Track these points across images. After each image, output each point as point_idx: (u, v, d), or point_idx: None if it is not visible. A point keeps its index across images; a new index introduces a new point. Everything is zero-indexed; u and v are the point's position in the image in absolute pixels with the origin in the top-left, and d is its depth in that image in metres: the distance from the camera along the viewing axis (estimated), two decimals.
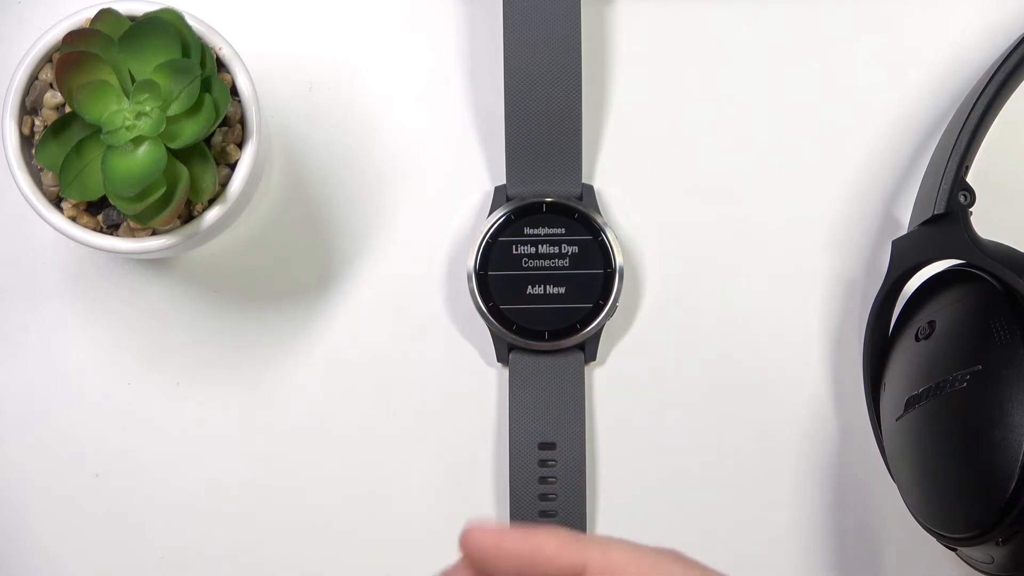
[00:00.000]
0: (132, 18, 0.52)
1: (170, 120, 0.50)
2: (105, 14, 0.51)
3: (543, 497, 0.57)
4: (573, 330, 0.57)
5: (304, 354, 0.58)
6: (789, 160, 0.59)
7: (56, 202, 0.52)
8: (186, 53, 0.51)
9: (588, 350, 0.58)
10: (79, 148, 0.50)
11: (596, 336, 0.58)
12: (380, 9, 0.60)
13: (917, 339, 0.54)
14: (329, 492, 0.58)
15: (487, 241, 0.57)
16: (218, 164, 0.53)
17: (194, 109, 0.50)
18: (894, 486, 0.55)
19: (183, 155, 0.51)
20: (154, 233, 0.52)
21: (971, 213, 0.54)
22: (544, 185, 0.58)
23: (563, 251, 0.57)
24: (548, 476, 0.57)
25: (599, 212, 0.58)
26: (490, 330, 0.58)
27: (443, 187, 0.59)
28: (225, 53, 0.53)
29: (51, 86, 0.52)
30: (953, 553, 0.54)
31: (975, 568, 0.53)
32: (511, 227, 0.57)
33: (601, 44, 0.60)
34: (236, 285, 0.59)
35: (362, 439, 0.58)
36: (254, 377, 0.58)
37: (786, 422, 0.59)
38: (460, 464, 0.58)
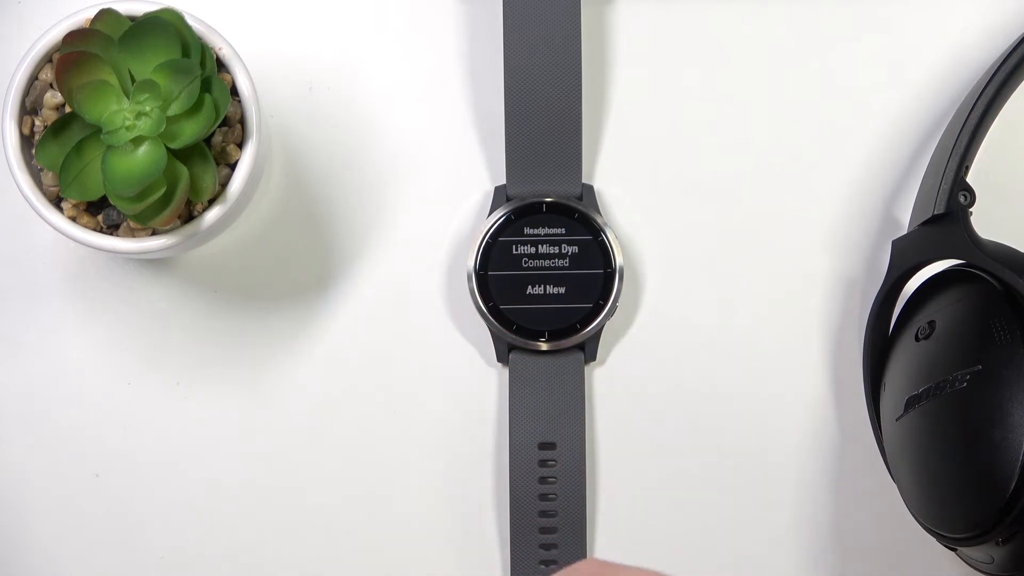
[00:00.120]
0: (132, 18, 0.52)
1: (170, 120, 0.50)
2: (105, 14, 0.51)
3: (543, 497, 0.57)
4: (573, 330, 0.57)
5: (304, 354, 0.58)
6: (789, 160, 0.59)
7: (56, 202, 0.52)
8: (186, 53, 0.51)
9: (588, 350, 0.58)
10: (79, 148, 0.50)
11: (596, 336, 0.58)
12: (380, 9, 0.60)
13: (917, 339, 0.54)
14: (329, 492, 0.58)
15: (487, 241, 0.57)
16: (218, 164, 0.53)
17: (194, 109, 0.50)
18: (894, 486, 0.55)
19: (183, 155, 0.51)
20: (154, 233, 0.52)
21: (971, 213, 0.54)
22: (544, 185, 0.58)
23: (563, 251, 0.57)
24: (548, 476, 0.57)
25: (599, 212, 0.58)
26: (490, 330, 0.58)
27: (443, 187, 0.59)
28: (225, 53, 0.53)
29: (51, 86, 0.52)
30: (953, 553, 0.54)
31: (975, 568, 0.53)
32: (511, 227, 0.57)
33: (601, 44, 0.60)
34: (236, 285, 0.59)
35: (362, 439, 0.58)
36: (254, 377, 0.58)
37: (786, 422, 0.59)
38: (460, 464, 0.58)
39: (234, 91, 0.53)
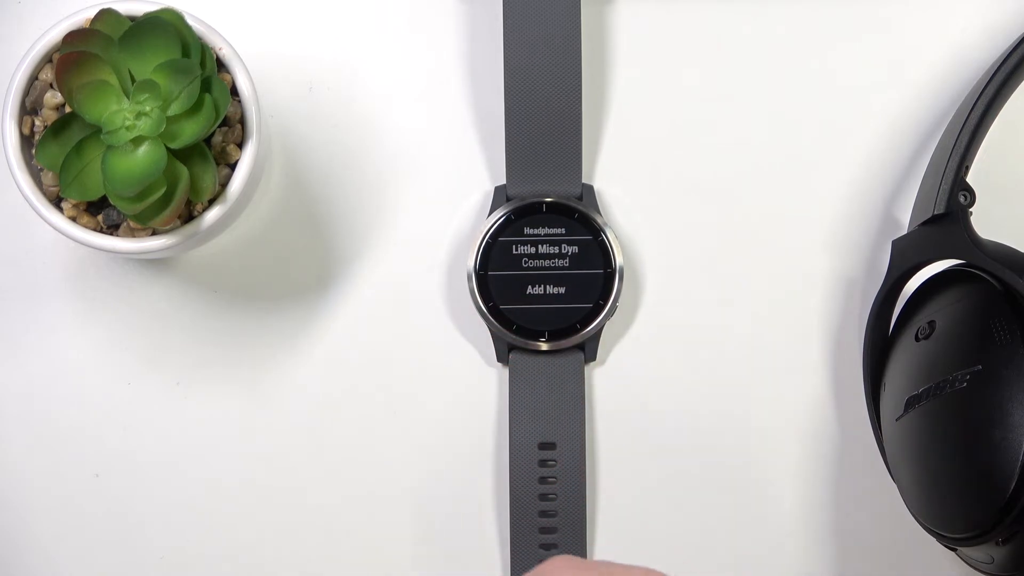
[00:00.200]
0: (132, 18, 0.52)
1: (170, 120, 0.50)
2: (105, 14, 0.51)
3: (543, 497, 0.57)
4: (573, 330, 0.57)
5: (304, 354, 0.58)
6: (789, 160, 0.59)
7: (56, 202, 0.52)
8: (186, 53, 0.51)
9: (588, 350, 0.58)
10: (79, 148, 0.50)
11: (596, 336, 0.58)
12: (380, 9, 0.60)
13: (917, 339, 0.54)
14: (329, 492, 0.58)
15: (487, 241, 0.57)
16: (218, 164, 0.53)
17: (194, 109, 0.50)
18: (894, 486, 0.55)
19: (183, 155, 0.51)
20: (154, 233, 0.52)
21: (971, 213, 0.54)
22: (544, 185, 0.58)
23: (563, 251, 0.57)
24: (548, 476, 0.57)
25: (599, 212, 0.58)
26: (490, 330, 0.58)
27: (443, 187, 0.59)
28: (225, 53, 0.53)
29: (51, 86, 0.52)
30: (953, 553, 0.54)
31: (975, 568, 0.53)
32: (511, 227, 0.57)
33: (601, 44, 0.60)
34: (236, 285, 0.59)
35: (362, 439, 0.58)
36: (254, 377, 0.58)
37: (786, 422, 0.59)
38: (460, 464, 0.58)
39: (234, 91, 0.53)
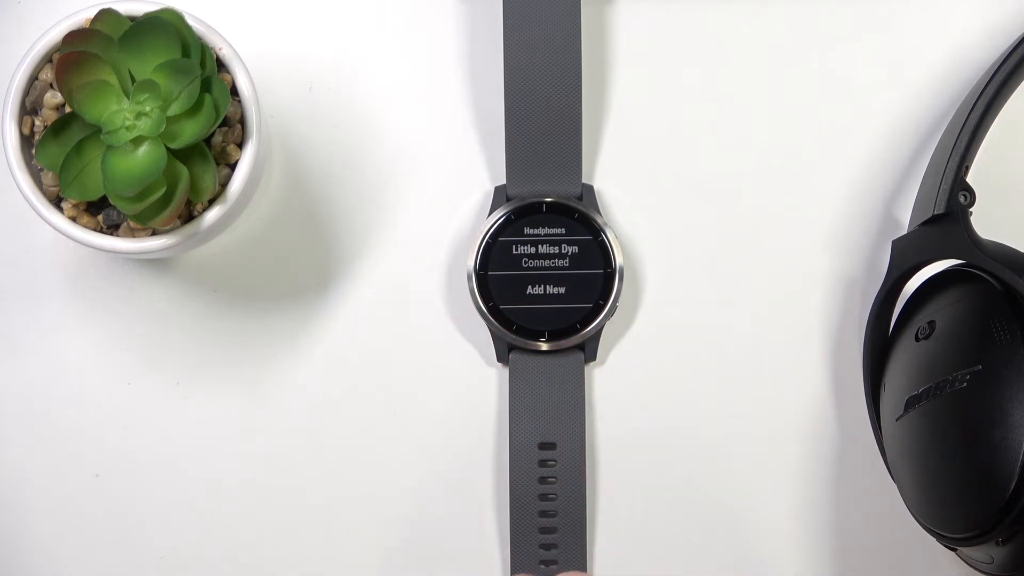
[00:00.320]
0: (132, 18, 0.52)
1: (170, 120, 0.50)
2: (105, 14, 0.51)
3: (543, 497, 0.57)
4: (573, 330, 0.57)
5: (304, 354, 0.58)
6: (789, 160, 0.59)
7: (56, 202, 0.52)
8: (186, 53, 0.51)
9: (588, 350, 0.58)
10: (79, 148, 0.50)
11: (596, 336, 0.58)
12: (380, 9, 0.60)
13: (917, 339, 0.54)
14: (329, 492, 0.58)
15: (487, 241, 0.57)
16: (218, 164, 0.53)
17: (194, 109, 0.50)
18: (894, 486, 0.55)
19: (183, 155, 0.51)
20: (154, 233, 0.52)
21: (971, 213, 0.54)
22: (544, 185, 0.58)
23: (563, 251, 0.57)
24: (548, 476, 0.57)
25: (599, 212, 0.58)
26: (490, 330, 0.58)
27: (443, 187, 0.59)
28: (225, 53, 0.53)
29: (51, 86, 0.52)
30: (953, 553, 0.54)
31: (975, 568, 0.53)
32: (511, 227, 0.57)
33: (601, 44, 0.60)
34: (236, 285, 0.59)
35: (362, 439, 0.58)
36: (254, 377, 0.58)
37: (786, 422, 0.59)
38: (460, 464, 0.58)
39: (234, 91, 0.53)
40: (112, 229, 0.53)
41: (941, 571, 0.58)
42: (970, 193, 0.54)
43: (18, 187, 0.52)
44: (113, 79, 0.51)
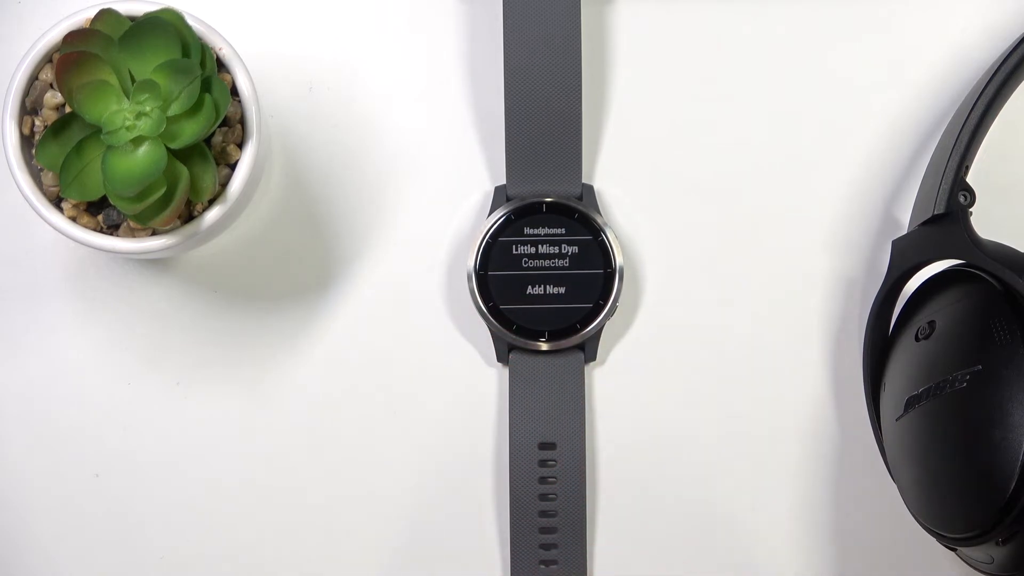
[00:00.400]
0: (132, 18, 0.52)
1: (170, 120, 0.50)
2: (105, 14, 0.51)
3: (543, 497, 0.57)
4: (573, 330, 0.57)
5: (304, 354, 0.58)
6: (789, 160, 0.59)
7: (56, 202, 0.52)
8: (186, 53, 0.51)
9: (588, 350, 0.58)
10: (79, 148, 0.50)
11: (596, 336, 0.58)
12: (380, 9, 0.60)
13: (917, 339, 0.54)
14: (329, 492, 0.58)
15: (487, 241, 0.57)
16: (218, 164, 0.53)
17: (194, 109, 0.50)
18: (894, 486, 0.55)
19: (183, 155, 0.51)
20: (154, 233, 0.52)
21: (971, 213, 0.54)
22: (544, 185, 0.58)
23: (563, 251, 0.57)
24: (548, 476, 0.57)
25: (599, 212, 0.58)
26: (490, 330, 0.58)
27: (443, 187, 0.59)
28: (225, 53, 0.53)
29: (51, 86, 0.52)
30: (953, 553, 0.54)
31: (975, 568, 0.53)
32: (511, 227, 0.57)
33: (601, 44, 0.60)
34: (236, 285, 0.59)
35: (362, 439, 0.58)
36: (254, 377, 0.58)
37: (786, 422, 0.59)
38: (460, 464, 0.58)
39: (234, 91, 0.53)
40: (112, 229, 0.53)
41: (941, 571, 0.58)
42: (970, 193, 0.54)
43: (18, 187, 0.52)
44: (113, 79, 0.51)
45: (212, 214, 0.52)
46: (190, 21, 0.52)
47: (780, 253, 0.59)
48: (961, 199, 0.54)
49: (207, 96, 0.51)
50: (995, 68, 0.56)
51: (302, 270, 0.59)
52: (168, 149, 0.50)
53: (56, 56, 0.51)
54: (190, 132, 0.50)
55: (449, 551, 0.58)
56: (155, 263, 0.58)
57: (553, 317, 0.57)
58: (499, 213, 0.58)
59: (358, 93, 0.59)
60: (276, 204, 0.59)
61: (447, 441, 0.58)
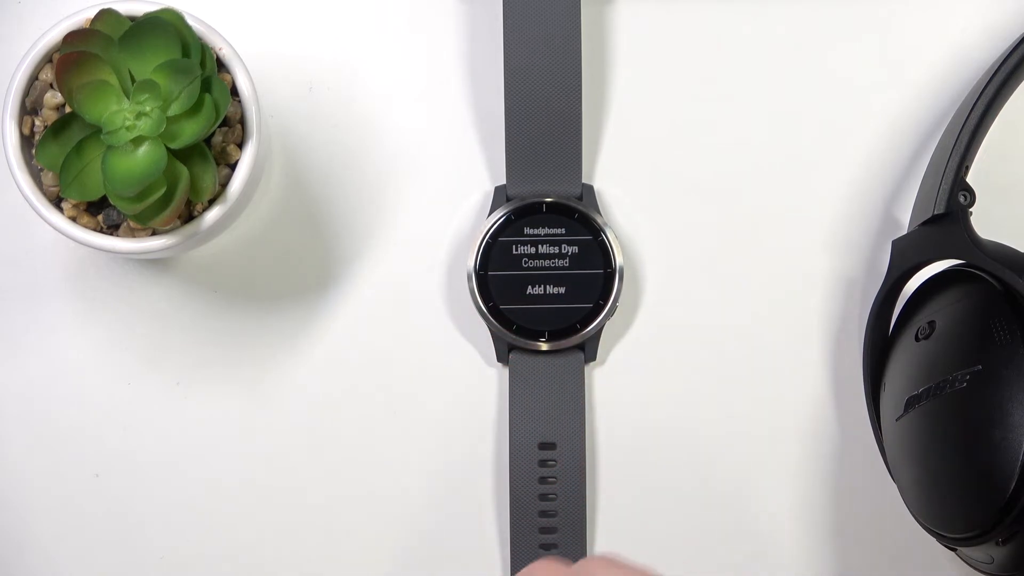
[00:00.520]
0: (132, 18, 0.52)
1: (170, 120, 0.50)
2: (105, 14, 0.51)
3: (543, 497, 0.57)
4: (573, 330, 0.57)
5: (304, 354, 0.58)
6: (789, 160, 0.59)
7: (56, 202, 0.52)
8: (186, 53, 0.51)
9: (588, 350, 0.58)
10: (79, 148, 0.50)
11: (596, 336, 0.58)
12: (380, 9, 0.60)
13: (917, 339, 0.54)
14: (329, 492, 0.58)
15: (487, 241, 0.57)
16: (218, 164, 0.53)
17: (194, 109, 0.50)
18: (894, 486, 0.55)
19: (183, 155, 0.51)
20: (154, 233, 0.52)
21: (971, 213, 0.54)
22: (544, 185, 0.58)
23: (563, 251, 0.57)
24: (548, 476, 0.57)
25: (599, 212, 0.58)
26: (490, 330, 0.58)
27: (443, 187, 0.59)
28: (225, 53, 0.53)
29: (51, 86, 0.52)
30: (953, 553, 0.54)
31: (975, 568, 0.53)
32: (511, 227, 0.57)
33: (601, 44, 0.60)
34: (236, 285, 0.59)
35: (362, 439, 0.58)
36: (254, 377, 0.58)
37: (786, 422, 0.59)
38: (460, 464, 0.58)
39: (234, 91, 0.53)
40: (112, 229, 0.53)
41: (941, 571, 0.58)
42: (970, 193, 0.54)
43: (18, 187, 0.52)
44: (113, 79, 0.51)
45: (212, 214, 0.52)
46: (190, 21, 0.52)
47: (780, 253, 0.59)
48: (961, 199, 0.54)
49: (207, 96, 0.51)
50: (995, 68, 0.56)
51: (302, 270, 0.59)
52: (168, 149, 0.50)
53: (56, 56, 0.51)
54: (190, 132, 0.50)
55: (449, 551, 0.58)
56: (155, 263, 0.58)
57: (553, 317, 0.57)
58: (499, 213, 0.58)
59: (358, 93, 0.59)
60: (276, 204, 0.59)
61: (447, 441, 0.58)
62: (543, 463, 0.58)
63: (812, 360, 0.59)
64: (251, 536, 0.58)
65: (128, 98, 0.51)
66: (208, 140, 0.52)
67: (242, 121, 0.53)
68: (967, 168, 0.55)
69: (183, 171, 0.51)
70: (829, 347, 0.59)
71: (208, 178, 0.51)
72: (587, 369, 0.58)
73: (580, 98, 0.57)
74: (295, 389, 0.58)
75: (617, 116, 0.60)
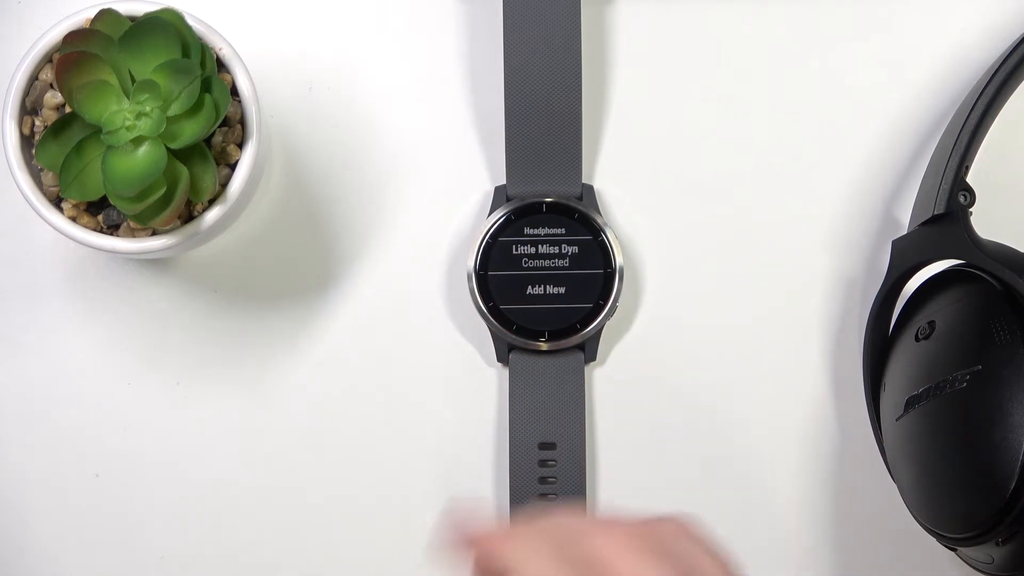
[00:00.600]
0: (132, 18, 0.52)
1: (170, 120, 0.50)
2: (105, 14, 0.51)
3: (543, 497, 0.57)
4: (573, 330, 0.57)
5: (304, 354, 0.58)
6: (789, 160, 0.59)
7: (56, 202, 0.52)
8: (186, 53, 0.51)
9: (588, 350, 0.58)
10: (79, 148, 0.50)
11: (596, 336, 0.58)
12: (380, 9, 0.60)
13: (917, 339, 0.54)
14: (329, 492, 0.58)
15: (487, 241, 0.57)
16: (218, 164, 0.53)
17: (194, 109, 0.50)
18: (894, 486, 0.55)
19: (183, 155, 0.51)
20: (154, 233, 0.52)
21: (971, 213, 0.54)
22: (544, 185, 0.58)
23: (563, 251, 0.57)
24: (548, 476, 0.57)
25: (599, 212, 0.58)
26: (490, 330, 0.58)
27: (443, 187, 0.59)
28: (225, 53, 0.53)
29: (51, 86, 0.52)
30: (953, 553, 0.54)
31: (975, 568, 0.53)
32: (511, 227, 0.57)
33: (601, 44, 0.60)
34: (236, 285, 0.59)
35: (362, 439, 0.58)
36: (254, 377, 0.58)
37: (786, 422, 0.59)
38: (460, 464, 0.58)
39: (234, 91, 0.53)
40: (112, 229, 0.53)
41: (941, 571, 0.58)
42: (970, 193, 0.54)
43: (18, 187, 0.52)
44: (113, 79, 0.51)
45: (212, 214, 0.52)
46: (190, 21, 0.52)
47: (780, 253, 0.59)
48: (961, 199, 0.54)
49: (207, 96, 0.51)
50: (995, 68, 0.56)
51: (302, 270, 0.59)
52: (168, 149, 0.50)
53: (56, 56, 0.51)
54: (190, 132, 0.50)
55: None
56: (155, 263, 0.58)
57: (553, 317, 0.57)
58: (499, 213, 0.58)
59: (358, 93, 0.59)
60: (276, 204, 0.59)
61: (447, 441, 0.58)
62: (543, 463, 0.58)
63: (812, 360, 0.59)
64: (251, 536, 0.58)
65: (128, 98, 0.51)
66: (208, 140, 0.52)
67: (242, 121, 0.53)
68: (967, 168, 0.55)
69: (183, 171, 0.51)
70: (829, 347, 0.59)
71: (208, 178, 0.51)
72: (587, 369, 0.58)
73: (580, 98, 0.57)
74: (295, 389, 0.58)
75: (617, 116, 0.60)
